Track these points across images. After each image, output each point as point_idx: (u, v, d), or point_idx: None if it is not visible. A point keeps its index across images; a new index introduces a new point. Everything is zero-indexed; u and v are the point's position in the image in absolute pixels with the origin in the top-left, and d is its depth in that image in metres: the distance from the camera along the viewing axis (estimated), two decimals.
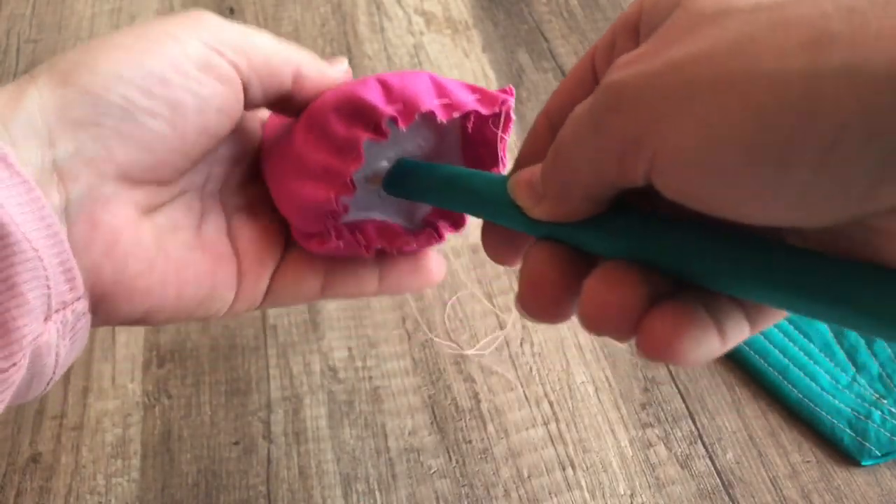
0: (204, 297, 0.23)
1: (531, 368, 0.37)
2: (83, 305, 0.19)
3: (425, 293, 0.39)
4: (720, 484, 0.34)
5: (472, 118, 0.24)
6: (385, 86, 0.22)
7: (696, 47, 0.14)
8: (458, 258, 0.40)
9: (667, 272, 0.16)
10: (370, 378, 0.36)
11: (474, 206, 0.22)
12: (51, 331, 0.18)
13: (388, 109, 0.21)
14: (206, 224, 0.24)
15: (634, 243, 0.17)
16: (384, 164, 0.24)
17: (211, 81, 0.21)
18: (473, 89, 0.23)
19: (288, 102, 0.23)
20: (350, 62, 0.51)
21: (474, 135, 0.24)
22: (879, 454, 0.34)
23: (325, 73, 0.23)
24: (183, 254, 0.22)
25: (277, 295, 0.25)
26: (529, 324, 0.38)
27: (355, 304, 0.38)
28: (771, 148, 0.12)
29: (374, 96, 0.21)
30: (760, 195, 0.13)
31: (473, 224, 0.43)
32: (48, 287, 0.18)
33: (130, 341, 0.36)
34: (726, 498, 0.33)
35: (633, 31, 0.18)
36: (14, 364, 0.17)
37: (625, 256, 0.17)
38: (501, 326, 0.38)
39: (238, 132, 0.24)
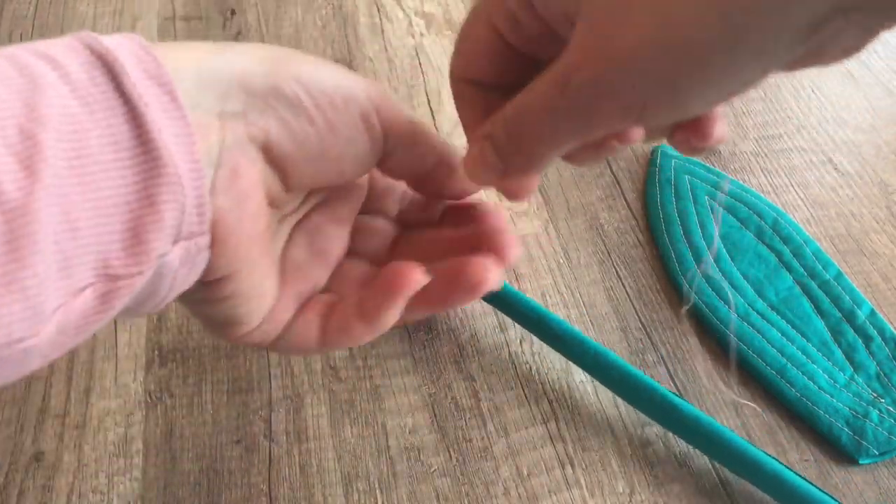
0: (256, 299, 0.24)
1: (530, 367, 0.37)
2: (206, 241, 0.21)
3: None
4: (718, 482, 0.34)
5: None
6: None
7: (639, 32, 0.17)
8: None
9: None
10: (371, 377, 0.36)
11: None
12: (175, 254, 0.20)
13: None
14: (289, 249, 0.26)
15: None
16: None
17: (362, 133, 0.23)
18: None
19: (424, 184, 0.26)
20: (351, 63, 0.52)
21: None
22: (877, 453, 0.34)
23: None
24: (267, 251, 0.24)
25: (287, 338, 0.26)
26: None
27: None
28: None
29: None
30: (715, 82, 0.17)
31: None
32: (182, 213, 0.19)
33: (133, 340, 0.36)
34: (724, 496, 0.33)
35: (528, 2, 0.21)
36: (140, 273, 0.19)
37: None
38: (501, 326, 0.38)
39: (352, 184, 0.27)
